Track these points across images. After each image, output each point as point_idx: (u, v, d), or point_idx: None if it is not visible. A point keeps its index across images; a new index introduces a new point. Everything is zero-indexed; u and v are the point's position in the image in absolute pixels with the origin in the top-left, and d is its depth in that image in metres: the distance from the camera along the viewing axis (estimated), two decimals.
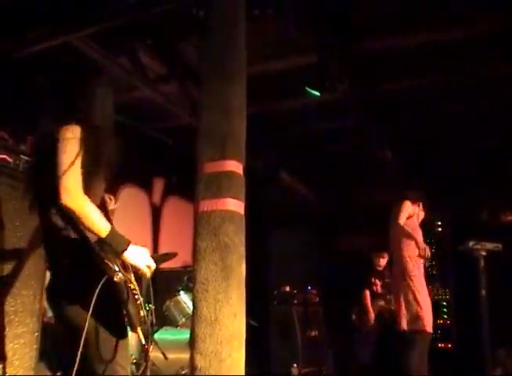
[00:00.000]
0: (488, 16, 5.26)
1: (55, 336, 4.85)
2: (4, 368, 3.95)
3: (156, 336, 5.76)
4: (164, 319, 6.07)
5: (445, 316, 9.30)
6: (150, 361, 5.42)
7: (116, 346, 2.83)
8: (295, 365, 7.98)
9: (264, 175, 9.00)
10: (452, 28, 5.47)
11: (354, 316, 8.63)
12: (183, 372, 5.77)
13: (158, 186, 8.66)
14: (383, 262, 8.56)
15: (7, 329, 4.16)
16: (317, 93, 5.98)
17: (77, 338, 2.68)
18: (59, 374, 4.88)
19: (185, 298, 6.15)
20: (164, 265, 6.33)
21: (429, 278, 6.08)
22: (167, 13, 4.90)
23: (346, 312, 8.73)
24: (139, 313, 2.84)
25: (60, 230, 2.83)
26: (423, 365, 5.71)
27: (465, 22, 5.36)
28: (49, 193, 2.75)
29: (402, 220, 5.93)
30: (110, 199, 3.40)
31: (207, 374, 3.28)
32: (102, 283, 2.66)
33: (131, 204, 7.70)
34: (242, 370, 3.41)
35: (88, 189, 2.77)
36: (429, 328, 5.76)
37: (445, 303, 9.39)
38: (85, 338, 2.71)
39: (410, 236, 5.89)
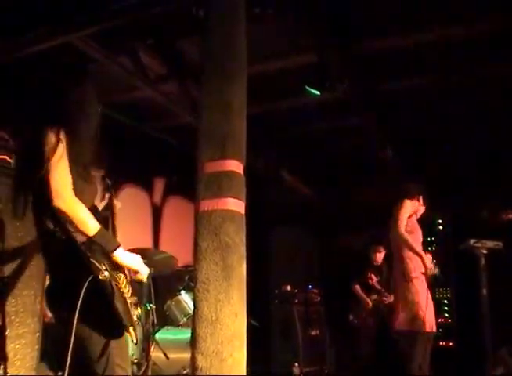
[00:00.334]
0: (489, 16, 5.26)
1: (56, 336, 4.85)
2: (5, 368, 3.95)
3: (158, 336, 5.76)
4: (165, 319, 6.07)
5: (446, 315, 9.29)
6: (151, 361, 5.42)
7: (106, 346, 2.83)
8: (296, 364, 7.98)
9: (264, 174, 9.00)
10: (452, 28, 5.47)
11: (351, 316, 8.65)
12: (184, 372, 5.78)
13: (159, 185, 8.67)
14: (379, 256, 8.58)
15: (8, 329, 4.16)
16: (317, 93, 5.97)
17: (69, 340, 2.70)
18: (60, 374, 4.88)
19: (186, 297, 6.15)
20: None
21: (430, 277, 6.02)
22: (167, 13, 4.91)
23: (347, 312, 8.74)
24: (129, 313, 2.84)
25: (51, 232, 2.85)
26: (425, 364, 5.71)
27: (465, 22, 5.35)
28: (39, 195, 2.77)
29: (402, 227, 5.90)
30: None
31: (208, 373, 3.28)
32: (87, 282, 2.67)
33: (131, 203, 7.70)
34: (243, 369, 3.41)
35: (77, 191, 2.79)
36: (429, 328, 5.74)
37: (446, 302, 9.38)
38: (79, 338, 2.72)
39: (414, 251, 5.86)
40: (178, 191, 8.87)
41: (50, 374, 4.76)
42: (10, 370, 4.10)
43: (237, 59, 3.89)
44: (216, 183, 3.57)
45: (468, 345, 8.18)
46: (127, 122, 7.36)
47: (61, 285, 2.85)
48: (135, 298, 2.97)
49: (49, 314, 4.42)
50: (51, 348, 4.76)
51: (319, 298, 9.26)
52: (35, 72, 4.05)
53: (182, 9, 4.64)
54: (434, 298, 6.03)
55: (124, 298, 2.84)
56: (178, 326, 6.10)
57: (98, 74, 5.53)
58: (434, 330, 5.87)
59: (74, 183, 2.82)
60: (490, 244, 6.12)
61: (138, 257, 2.97)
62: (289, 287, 8.93)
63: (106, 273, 2.72)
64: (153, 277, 5.54)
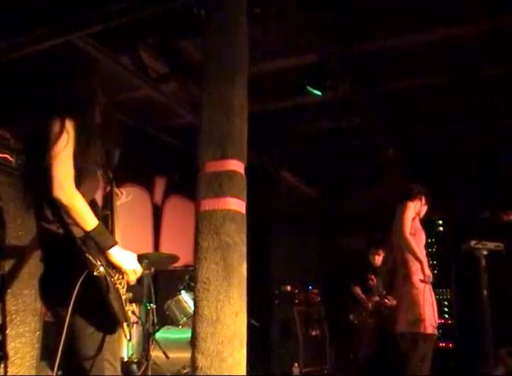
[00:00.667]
0: (489, 16, 5.26)
1: (56, 335, 4.85)
2: (5, 367, 3.96)
3: (158, 335, 5.76)
4: (165, 319, 6.07)
5: (447, 316, 9.29)
6: (152, 360, 5.43)
7: (102, 341, 2.83)
8: (296, 364, 7.99)
9: (265, 174, 9.00)
10: (453, 28, 5.47)
11: (351, 317, 8.64)
12: (184, 371, 5.79)
13: (159, 184, 8.66)
14: (379, 259, 8.57)
15: (9, 328, 4.16)
16: (318, 93, 5.97)
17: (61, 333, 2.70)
18: (60, 373, 4.88)
19: (186, 297, 6.15)
20: None
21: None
22: (168, 12, 4.90)
23: (347, 312, 8.74)
24: (124, 309, 2.84)
25: (50, 224, 2.85)
26: (425, 366, 5.70)
27: (466, 21, 5.35)
28: (42, 186, 2.77)
29: (407, 231, 5.89)
30: (122, 193, 3.42)
31: (208, 373, 3.28)
32: (83, 277, 2.67)
33: (132, 202, 7.68)
34: (243, 369, 3.41)
35: (78, 184, 2.79)
36: (431, 330, 5.73)
37: (446, 303, 9.38)
38: (71, 333, 2.72)
39: (416, 257, 5.85)
40: (179, 190, 8.87)
41: (50, 372, 4.75)
42: (10, 369, 4.10)
43: (238, 58, 3.89)
44: (217, 183, 3.56)
45: (468, 346, 8.17)
46: (128, 121, 7.35)
47: (56, 279, 2.85)
48: (130, 294, 2.96)
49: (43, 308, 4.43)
50: (51, 347, 4.76)
51: (319, 299, 9.27)
52: (39, 66, 4.05)
53: (183, 9, 4.63)
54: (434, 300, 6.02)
55: (119, 294, 2.84)
56: (178, 325, 6.10)
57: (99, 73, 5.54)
58: (436, 332, 5.85)
59: (78, 175, 2.81)
60: (491, 245, 6.12)
61: (134, 257, 2.96)
62: (289, 288, 8.94)
63: (102, 269, 2.71)
64: (153, 277, 5.57)
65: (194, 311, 3.50)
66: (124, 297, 2.87)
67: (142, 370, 5.38)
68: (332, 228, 10.57)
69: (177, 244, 8.08)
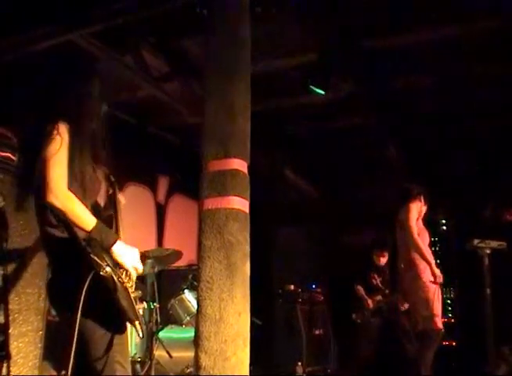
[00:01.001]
0: (489, 15, 5.25)
1: (59, 334, 4.85)
2: (8, 366, 3.95)
3: (161, 334, 5.76)
4: (168, 318, 6.08)
5: (450, 314, 9.29)
6: (155, 359, 5.42)
7: (111, 342, 2.82)
8: (299, 363, 7.97)
9: (268, 173, 9.00)
10: (454, 27, 5.46)
11: (354, 316, 8.64)
12: (188, 370, 5.78)
13: (163, 184, 8.66)
14: (383, 260, 8.58)
15: (11, 327, 4.16)
16: (321, 92, 5.97)
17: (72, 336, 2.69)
18: (63, 372, 4.88)
19: (189, 296, 6.15)
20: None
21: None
22: (170, 11, 4.90)
23: (350, 311, 8.73)
24: (134, 307, 2.84)
25: (53, 228, 2.84)
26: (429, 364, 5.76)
27: (466, 20, 5.34)
28: (40, 191, 2.77)
29: (415, 234, 5.93)
30: (123, 199, 3.42)
31: (211, 372, 3.28)
32: (89, 278, 2.67)
33: (135, 202, 7.71)
34: (246, 368, 3.41)
35: (76, 188, 2.78)
36: (441, 325, 5.83)
37: (449, 301, 9.38)
38: (80, 335, 2.72)
39: (425, 259, 5.89)
40: (182, 189, 8.87)
41: (53, 372, 4.76)
42: (13, 368, 4.10)
43: (241, 57, 3.89)
44: (220, 182, 3.57)
45: (471, 345, 8.16)
46: (130, 121, 7.35)
47: (63, 281, 2.85)
48: (140, 292, 2.96)
49: (53, 312, 4.42)
50: (54, 347, 4.76)
51: (322, 298, 9.25)
52: (38, 69, 4.05)
53: (186, 8, 4.63)
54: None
55: (128, 293, 2.83)
56: (181, 325, 6.10)
57: (101, 72, 5.54)
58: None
59: (75, 179, 2.81)
60: (494, 243, 6.11)
61: (136, 252, 2.96)
62: (292, 287, 8.92)
63: (108, 269, 2.71)
64: (156, 276, 5.57)
65: (197, 310, 3.50)
66: (133, 295, 2.87)
67: (146, 369, 5.37)
68: (335, 227, 10.56)
69: (180, 243, 8.07)
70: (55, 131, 2.82)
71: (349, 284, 8.72)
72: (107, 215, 3.03)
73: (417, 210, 6.11)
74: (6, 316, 4.06)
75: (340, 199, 10.47)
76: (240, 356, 3.37)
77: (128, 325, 2.91)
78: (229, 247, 3.45)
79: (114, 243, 2.82)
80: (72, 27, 4.99)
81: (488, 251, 6.08)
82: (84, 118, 3.00)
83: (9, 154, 4.41)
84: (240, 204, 3.57)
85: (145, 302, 5.57)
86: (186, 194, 8.94)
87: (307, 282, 9.20)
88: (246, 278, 3.52)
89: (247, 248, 3.57)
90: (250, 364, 3.46)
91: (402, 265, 6.13)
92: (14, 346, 4.21)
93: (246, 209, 3.62)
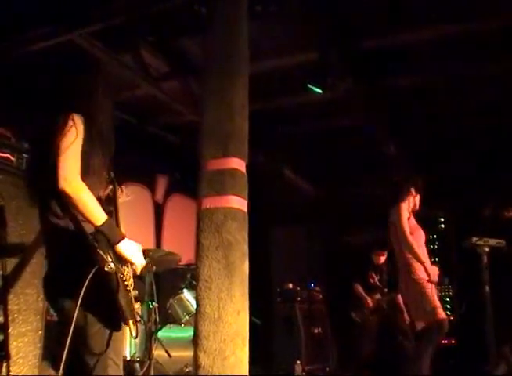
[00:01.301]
0: (489, 14, 5.25)
1: (58, 334, 4.85)
2: (8, 367, 3.95)
3: (160, 334, 5.76)
4: (167, 317, 6.07)
5: (449, 313, 9.29)
6: (154, 359, 5.42)
7: (108, 339, 2.82)
8: (298, 362, 7.98)
9: (267, 173, 9.00)
10: (453, 26, 5.46)
11: (353, 315, 8.65)
12: (187, 370, 5.79)
13: (161, 183, 8.66)
14: (382, 259, 8.59)
15: (11, 327, 4.16)
16: (319, 90, 5.97)
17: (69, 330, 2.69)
18: (60, 372, 4.87)
19: (188, 295, 6.16)
20: None
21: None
22: (169, 10, 4.90)
23: (349, 310, 8.74)
24: (131, 306, 2.84)
25: (58, 218, 2.83)
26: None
27: (465, 19, 5.35)
28: (49, 181, 2.76)
29: (409, 235, 5.92)
30: (122, 191, 3.42)
31: (210, 371, 3.28)
32: (92, 273, 2.66)
33: (134, 201, 7.69)
34: (245, 367, 3.41)
35: (85, 180, 2.78)
36: (444, 315, 5.82)
37: (448, 299, 9.38)
38: (76, 329, 2.71)
39: (419, 261, 5.87)
40: (181, 189, 8.87)
41: (52, 372, 4.76)
42: (13, 369, 4.10)
43: (239, 56, 3.89)
44: (218, 181, 3.57)
45: (470, 343, 8.17)
46: (129, 120, 7.35)
47: (64, 273, 2.84)
48: (136, 292, 2.96)
49: (52, 312, 4.42)
50: (53, 347, 4.76)
51: (321, 296, 9.27)
52: (44, 66, 4.05)
53: (184, 7, 4.63)
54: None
55: (128, 291, 2.83)
56: (180, 324, 6.10)
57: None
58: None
59: (85, 171, 2.81)
60: (492, 241, 6.11)
61: (139, 247, 2.95)
62: (291, 285, 8.93)
63: (112, 265, 2.70)
64: (155, 275, 5.57)
65: (196, 309, 3.50)
66: (131, 294, 2.87)
67: (145, 368, 5.36)
68: (333, 226, 10.56)
69: (178, 243, 8.09)
70: (70, 122, 2.82)
71: (348, 283, 8.73)
72: (107, 211, 3.02)
73: (408, 209, 6.10)
74: (5, 316, 4.06)
75: (339, 198, 10.46)
76: (239, 355, 3.37)
77: None
78: (228, 246, 3.45)
79: (121, 240, 2.81)
80: (72, 26, 5.00)
81: (486, 249, 6.09)
82: (95, 113, 3.00)
83: (8, 155, 4.39)
84: (239, 203, 3.57)
85: (139, 303, 5.56)
86: (184, 193, 8.95)
87: (306, 281, 9.21)
88: (244, 277, 3.52)
89: (246, 247, 3.57)
90: (249, 363, 3.46)
91: (399, 265, 6.13)
92: (13, 346, 4.20)
93: (245, 208, 3.62)
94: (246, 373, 3.43)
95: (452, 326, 9.08)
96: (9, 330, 4.11)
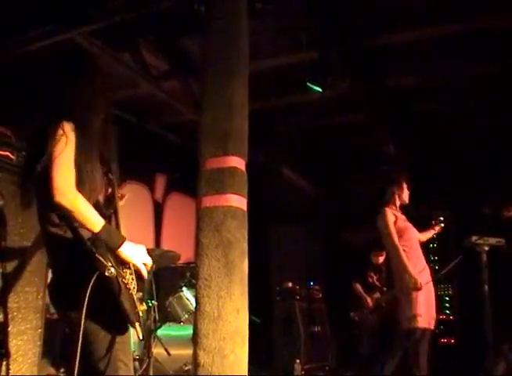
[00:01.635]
0: (488, 13, 5.26)
1: (58, 332, 4.86)
2: (8, 365, 3.95)
3: (159, 332, 5.76)
4: (166, 316, 6.07)
5: (448, 312, 9.30)
6: (153, 357, 5.42)
7: (113, 342, 2.82)
8: (298, 361, 7.98)
9: (266, 171, 9.00)
10: (453, 25, 5.47)
11: (352, 314, 8.65)
12: (186, 368, 5.78)
13: (160, 182, 8.67)
14: (381, 259, 8.59)
15: (10, 326, 4.15)
16: (319, 89, 5.97)
17: (76, 337, 2.69)
18: (62, 370, 4.89)
19: (187, 294, 6.15)
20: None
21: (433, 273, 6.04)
22: (169, 10, 4.90)
23: (348, 308, 8.74)
24: (135, 308, 2.84)
25: (57, 228, 2.83)
26: (423, 362, 5.70)
27: (465, 19, 5.35)
28: (45, 190, 2.76)
29: (396, 240, 5.91)
30: (121, 196, 3.40)
31: (210, 370, 3.28)
32: (94, 278, 2.66)
33: (133, 200, 7.68)
34: (245, 366, 3.42)
35: (81, 187, 2.77)
36: (425, 325, 5.71)
37: (447, 298, 9.39)
38: (84, 335, 2.71)
39: (404, 266, 5.84)
40: (180, 188, 8.88)
41: (52, 370, 4.76)
42: (12, 367, 4.09)
43: (239, 55, 3.89)
44: (218, 179, 3.57)
45: (470, 342, 8.18)
46: (129, 119, 7.35)
47: (66, 282, 2.83)
48: (140, 294, 2.95)
49: (52, 309, 4.42)
50: (53, 345, 4.77)
51: (320, 295, 9.27)
52: (42, 66, 4.04)
53: (184, 6, 4.63)
54: (435, 295, 6.02)
55: (131, 294, 2.82)
56: (179, 322, 6.09)
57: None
58: (432, 327, 5.84)
59: (80, 178, 2.80)
60: (492, 240, 6.11)
61: (142, 247, 2.95)
62: (290, 284, 8.93)
63: (113, 270, 2.69)
64: (154, 274, 5.57)
65: (196, 308, 3.50)
66: (135, 297, 2.86)
67: (144, 367, 5.37)
68: (333, 225, 10.57)
69: (178, 241, 8.09)
70: (60, 131, 2.80)
71: (347, 281, 8.73)
72: (107, 215, 3.02)
73: (394, 211, 6.10)
74: (5, 314, 4.06)
75: (338, 197, 10.47)
76: (239, 354, 3.38)
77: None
78: (227, 245, 3.46)
79: (122, 244, 2.80)
80: (71, 25, 5.00)
81: (486, 248, 6.08)
82: (90, 116, 2.99)
83: (8, 153, 4.39)
84: (238, 201, 3.57)
85: (144, 304, 5.57)
86: (184, 192, 8.95)
87: (305, 279, 9.22)
88: (244, 276, 3.53)
89: (245, 246, 3.57)
90: (249, 362, 3.47)
91: (392, 267, 6.12)
92: (13, 344, 4.20)
93: (244, 207, 3.62)
94: (246, 371, 3.44)
95: (451, 325, 9.14)
96: (9, 329, 4.10)
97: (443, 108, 7.53)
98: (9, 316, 4.13)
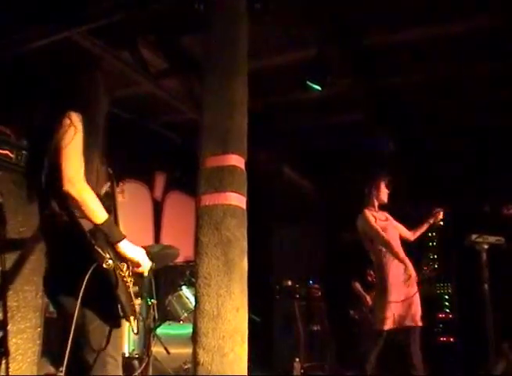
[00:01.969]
0: (489, 12, 5.25)
1: (58, 331, 4.85)
2: (7, 363, 3.95)
3: (159, 331, 5.76)
4: (166, 314, 6.07)
5: (448, 310, 9.30)
6: (152, 356, 5.42)
7: (108, 336, 2.83)
8: (297, 359, 7.98)
9: (266, 170, 8.99)
10: (452, 24, 5.47)
11: (352, 312, 8.66)
12: (186, 367, 5.78)
13: (160, 180, 8.67)
14: None
15: (10, 324, 4.16)
16: (318, 87, 5.96)
17: (70, 327, 2.70)
18: (61, 369, 4.88)
19: (187, 292, 6.15)
20: None
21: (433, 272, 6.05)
22: (168, 8, 4.90)
23: (348, 307, 8.75)
24: (131, 302, 2.84)
25: (57, 217, 2.83)
26: (418, 361, 5.73)
27: (465, 17, 5.35)
28: (48, 181, 2.76)
29: (383, 235, 5.94)
30: (121, 190, 3.42)
31: (209, 368, 3.28)
32: (91, 270, 2.67)
33: (132, 198, 7.70)
34: (244, 364, 3.42)
35: (86, 176, 2.78)
36: (394, 325, 5.73)
37: (447, 297, 9.38)
38: (76, 326, 2.71)
39: (397, 256, 5.88)
40: (179, 186, 8.87)
41: (51, 368, 4.76)
42: (12, 365, 4.10)
43: (238, 54, 3.89)
44: (217, 178, 3.57)
45: (469, 341, 8.18)
46: (128, 117, 7.35)
47: (63, 272, 2.84)
48: (137, 288, 2.96)
49: (51, 308, 4.42)
50: (52, 343, 4.77)
51: (320, 293, 9.27)
52: (43, 64, 4.05)
53: (184, 4, 4.63)
54: (435, 294, 6.04)
55: (127, 288, 2.83)
56: (179, 321, 6.09)
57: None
58: (413, 323, 5.83)
59: (88, 170, 2.81)
60: (492, 239, 6.11)
61: (142, 250, 2.96)
62: (290, 282, 8.93)
63: (111, 262, 2.71)
64: (154, 272, 5.57)
65: (195, 306, 3.50)
66: (131, 290, 2.87)
67: (143, 365, 5.37)
68: (332, 224, 10.56)
69: (178, 240, 8.06)
70: (68, 121, 2.82)
71: (346, 280, 8.74)
72: (106, 208, 3.03)
73: (373, 212, 6.15)
74: (5, 313, 4.06)
75: (338, 196, 10.46)
76: (238, 352, 3.38)
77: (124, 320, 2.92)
78: (227, 243, 3.46)
79: (121, 240, 2.81)
80: (70, 24, 4.99)
81: (486, 246, 6.08)
82: (93, 111, 3.01)
83: (8, 152, 4.39)
84: (238, 200, 3.57)
85: (140, 299, 5.57)
86: (183, 191, 8.95)
87: (305, 278, 9.22)
88: (243, 274, 3.53)
89: (245, 244, 3.57)
90: (248, 360, 3.47)
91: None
92: (13, 343, 4.20)
93: (244, 205, 3.62)
94: (245, 370, 3.44)
95: (451, 323, 9.14)
96: (8, 327, 4.11)
97: (443, 108, 7.53)
98: (9, 314, 4.14)
